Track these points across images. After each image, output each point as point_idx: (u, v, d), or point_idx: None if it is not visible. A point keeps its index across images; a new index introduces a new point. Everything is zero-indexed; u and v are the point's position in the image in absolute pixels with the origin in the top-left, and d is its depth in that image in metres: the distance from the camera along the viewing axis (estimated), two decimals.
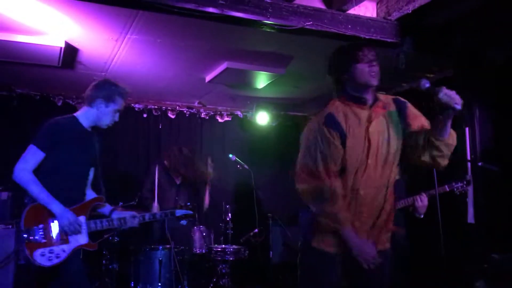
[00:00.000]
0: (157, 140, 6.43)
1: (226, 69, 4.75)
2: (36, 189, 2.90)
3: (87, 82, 5.37)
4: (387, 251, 2.53)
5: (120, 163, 6.16)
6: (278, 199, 6.59)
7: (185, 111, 6.64)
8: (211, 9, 3.31)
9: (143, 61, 4.72)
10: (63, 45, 4.12)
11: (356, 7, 3.89)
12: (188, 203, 4.97)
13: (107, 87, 3.16)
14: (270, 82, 5.25)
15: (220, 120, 6.87)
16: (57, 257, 2.88)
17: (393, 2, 3.81)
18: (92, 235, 3.08)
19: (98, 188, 3.33)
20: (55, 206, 2.90)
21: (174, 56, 4.56)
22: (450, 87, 4.36)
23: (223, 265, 4.96)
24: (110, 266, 4.75)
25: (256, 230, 5.33)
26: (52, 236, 2.91)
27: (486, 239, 3.83)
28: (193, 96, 6.28)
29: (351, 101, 2.44)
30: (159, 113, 6.48)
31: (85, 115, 3.16)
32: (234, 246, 5.04)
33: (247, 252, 5.02)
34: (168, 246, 4.48)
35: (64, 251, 2.91)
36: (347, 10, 3.86)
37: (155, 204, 4.88)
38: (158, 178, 5.11)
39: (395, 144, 2.43)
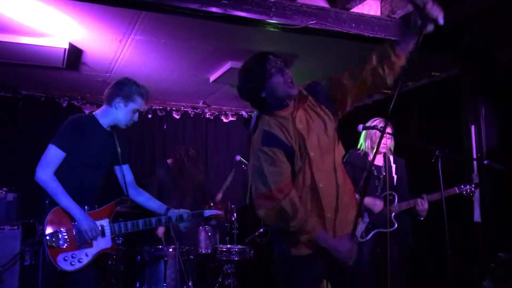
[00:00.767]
0: (162, 141, 6.45)
1: (230, 69, 4.75)
2: (57, 192, 2.81)
3: (92, 83, 5.48)
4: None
5: None
6: None
7: (190, 111, 6.65)
8: (214, 9, 3.30)
9: (147, 61, 4.72)
10: (67, 47, 4.13)
11: (360, 6, 3.86)
12: (212, 202, 4.97)
13: (127, 86, 3.06)
14: None
15: (225, 120, 6.87)
16: (80, 262, 2.82)
17: (397, 0, 3.79)
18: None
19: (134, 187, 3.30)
20: (75, 211, 2.82)
21: (178, 56, 4.56)
22: (456, 86, 4.36)
23: (229, 265, 4.95)
24: (115, 267, 4.76)
25: (261, 230, 5.31)
26: (75, 240, 2.83)
27: (493, 238, 3.81)
28: (198, 96, 6.28)
29: (275, 110, 2.35)
30: (164, 113, 6.49)
31: (104, 114, 3.06)
32: (240, 246, 5.03)
33: (252, 252, 5.00)
34: (173, 246, 4.48)
35: (87, 255, 2.85)
36: (351, 8, 3.84)
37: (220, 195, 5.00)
38: (162, 181, 5.11)
39: (330, 126, 2.36)
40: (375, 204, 3.81)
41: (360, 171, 3.98)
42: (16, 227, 4.45)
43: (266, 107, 2.37)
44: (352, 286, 2.41)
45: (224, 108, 6.84)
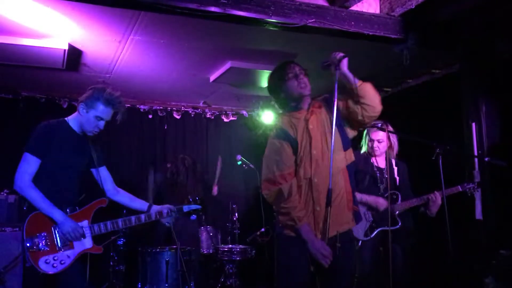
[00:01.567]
0: (163, 141, 6.45)
1: (230, 68, 4.74)
2: (37, 198, 2.86)
3: (92, 84, 5.44)
4: (350, 231, 2.81)
5: (126, 164, 6.17)
6: None
7: (190, 111, 6.65)
8: (213, 9, 3.30)
9: (147, 62, 4.72)
10: (66, 48, 4.14)
11: (359, 4, 3.86)
12: (197, 197, 4.96)
13: (94, 92, 3.05)
14: None
15: (225, 120, 6.86)
16: (62, 263, 2.87)
17: None
18: (97, 238, 3.06)
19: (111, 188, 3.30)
20: (56, 214, 2.87)
21: (178, 56, 4.56)
22: (457, 83, 4.34)
23: (230, 265, 4.95)
24: (117, 268, 4.77)
25: (263, 230, 5.32)
26: (55, 243, 2.88)
27: (494, 235, 3.79)
28: (198, 96, 6.28)
29: (291, 111, 2.84)
30: (165, 113, 6.49)
31: (74, 119, 3.10)
32: (241, 246, 5.03)
33: (254, 251, 5.01)
34: (174, 246, 4.48)
35: (68, 257, 2.90)
36: (350, 6, 3.84)
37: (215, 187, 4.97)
38: (160, 186, 5.13)
39: (335, 134, 2.68)
40: (378, 202, 3.81)
41: (362, 172, 3.98)
42: (17, 229, 4.45)
43: (287, 108, 2.88)
44: (334, 279, 2.70)
45: (225, 107, 6.84)
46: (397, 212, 3.79)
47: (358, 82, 2.74)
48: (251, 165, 5.48)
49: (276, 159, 2.73)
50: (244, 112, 6.95)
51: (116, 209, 3.46)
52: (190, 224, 5.10)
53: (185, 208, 3.40)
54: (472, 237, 3.97)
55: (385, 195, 3.88)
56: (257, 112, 6.65)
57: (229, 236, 5.38)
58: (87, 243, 3.00)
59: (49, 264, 2.83)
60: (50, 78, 5.16)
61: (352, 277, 2.84)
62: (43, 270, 2.80)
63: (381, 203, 3.80)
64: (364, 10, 3.84)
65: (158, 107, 6.44)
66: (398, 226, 3.74)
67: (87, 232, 3.00)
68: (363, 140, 4.06)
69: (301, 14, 3.54)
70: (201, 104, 6.65)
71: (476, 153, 3.94)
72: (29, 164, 2.92)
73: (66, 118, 3.12)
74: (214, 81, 5.22)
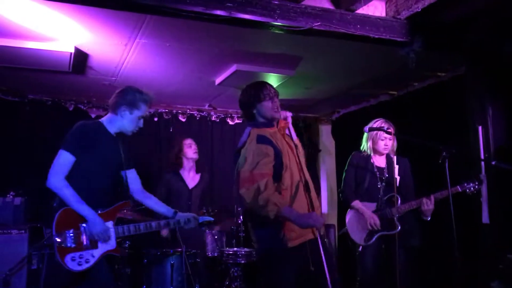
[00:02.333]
0: (168, 144, 6.44)
1: (236, 71, 4.75)
2: (69, 195, 2.90)
3: (98, 87, 5.50)
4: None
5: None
6: None
7: (196, 114, 6.65)
8: (219, 12, 3.30)
9: (152, 65, 4.73)
10: (73, 51, 4.15)
11: (364, 7, 3.85)
12: (210, 209, 4.99)
13: (130, 94, 3.19)
14: (280, 84, 5.23)
15: (230, 123, 6.87)
16: (87, 262, 2.90)
17: (402, 1, 3.78)
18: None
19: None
20: (88, 213, 2.92)
21: (184, 59, 4.57)
22: (462, 85, 4.33)
23: (235, 268, 4.94)
24: (122, 270, 4.76)
25: None
26: (82, 241, 2.92)
27: (501, 239, 3.77)
28: (204, 99, 6.29)
29: (263, 127, 3.00)
30: (170, 116, 6.50)
31: (110, 122, 3.19)
32: (246, 249, 5.02)
33: None
34: (179, 249, 4.48)
35: (93, 256, 2.93)
36: (356, 10, 3.83)
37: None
38: (171, 185, 5.12)
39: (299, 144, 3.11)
40: (373, 218, 3.81)
41: (362, 172, 3.97)
42: (23, 231, 4.48)
43: (254, 122, 3.05)
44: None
45: (230, 110, 6.84)
46: (396, 216, 3.77)
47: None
48: None
49: (256, 159, 2.81)
50: None
51: None
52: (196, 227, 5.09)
53: (201, 219, 3.52)
54: (479, 241, 3.94)
55: (384, 199, 3.87)
56: None
57: (233, 239, 5.37)
58: (111, 244, 3.04)
59: (74, 262, 2.86)
60: (56, 81, 5.18)
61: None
62: (68, 267, 2.84)
63: (377, 223, 3.80)
64: (370, 13, 3.83)
65: (163, 110, 6.45)
66: (397, 230, 3.71)
67: (112, 234, 3.05)
68: (364, 139, 4.05)
69: (306, 17, 3.54)
70: (206, 107, 6.66)
71: (482, 157, 3.92)
72: (64, 161, 2.96)
73: (100, 120, 3.21)
74: (219, 84, 5.22)
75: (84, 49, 4.27)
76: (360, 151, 4.07)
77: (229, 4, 3.31)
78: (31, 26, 3.74)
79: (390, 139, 3.92)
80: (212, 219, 3.63)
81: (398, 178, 3.89)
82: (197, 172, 5.32)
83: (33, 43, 4.04)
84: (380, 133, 3.88)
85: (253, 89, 3.06)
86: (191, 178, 5.26)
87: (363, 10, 3.86)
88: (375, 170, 3.94)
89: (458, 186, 3.72)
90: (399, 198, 3.80)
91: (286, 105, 6.44)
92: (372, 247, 3.82)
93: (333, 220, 6.70)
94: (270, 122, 3.03)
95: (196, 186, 5.23)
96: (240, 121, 6.89)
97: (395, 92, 5.71)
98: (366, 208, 3.87)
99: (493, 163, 3.66)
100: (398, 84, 5.48)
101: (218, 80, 5.21)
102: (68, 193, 2.89)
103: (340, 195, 4.15)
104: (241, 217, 5.34)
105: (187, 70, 4.92)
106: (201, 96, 6.09)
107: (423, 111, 5.17)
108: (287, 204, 2.81)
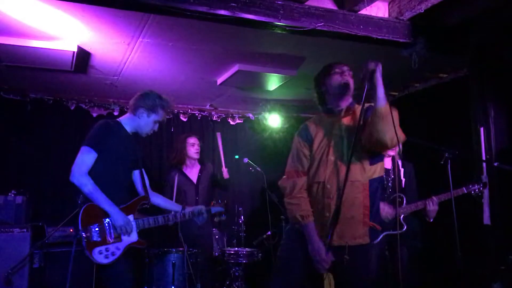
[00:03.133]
0: (170, 143, 6.44)
1: (238, 71, 4.75)
2: (93, 190, 3.02)
3: (100, 86, 5.50)
4: (366, 246, 2.77)
5: None
6: None
7: (197, 114, 6.66)
8: (222, 12, 3.30)
9: (155, 64, 4.74)
10: (75, 50, 4.15)
11: (368, 8, 3.85)
12: (219, 201, 4.99)
13: (151, 98, 3.35)
14: (282, 84, 5.24)
15: (232, 123, 6.87)
16: (113, 255, 3.05)
17: (405, 2, 3.78)
18: None
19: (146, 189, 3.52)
20: (110, 208, 3.06)
21: (186, 59, 4.57)
22: (465, 87, 4.33)
23: (236, 268, 4.94)
24: None
25: (269, 233, 5.31)
26: (106, 235, 3.07)
27: (503, 240, 3.77)
28: (205, 99, 6.30)
29: (324, 112, 2.91)
30: (171, 116, 6.49)
31: (128, 122, 3.35)
32: (247, 249, 5.02)
33: (260, 254, 4.99)
34: (181, 249, 4.47)
35: (118, 249, 3.09)
36: (359, 10, 3.83)
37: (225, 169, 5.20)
38: (176, 182, 5.12)
39: (357, 147, 2.60)
40: (383, 210, 3.80)
41: None
42: (25, 230, 4.47)
43: (323, 106, 2.91)
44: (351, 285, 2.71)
45: (231, 110, 6.85)
46: (402, 215, 3.78)
47: (383, 104, 2.55)
48: (258, 168, 5.47)
49: (295, 155, 2.87)
50: (251, 115, 6.95)
51: None
52: (197, 226, 5.10)
53: (212, 210, 3.73)
54: (480, 242, 3.95)
55: (390, 198, 3.88)
56: (263, 115, 6.65)
57: (235, 239, 5.37)
58: (133, 236, 3.20)
59: (102, 255, 3.01)
60: (58, 80, 5.18)
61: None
62: (96, 261, 2.98)
63: (387, 211, 3.78)
64: (373, 14, 3.84)
65: None
66: (403, 230, 3.72)
67: (134, 226, 3.20)
68: None
69: (310, 18, 3.54)
70: (207, 107, 6.66)
71: (484, 158, 3.93)
72: (87, 157, 3.08)
73: (119, 119, 3.37)
74: (221, 84, 5.23)
75: (87, 48, 4.27)
76: None
77: (233, 4, 3.31)
78: (34, 24, 3.74)
79: None
80: (223, 209, 3.71)
81: (404, 180, 3.91)
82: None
83: (36, 42, 4.04)
84: None
85: (324, 67, 2.96)
86: (194, 173, 5.27)
87: (366, 11, 3.86)
88: None
89: (463, 188, 3.74)
90: (404, 198, 3.81)
91: (286, 105, 6.45)
92: (377, 247, 3.82)
93: None
94: (334, 105, 2.85)
95: (200, 178, 5.23)
96: (241, 121, 6.90)
97: (397, 93, 5.71)
98: None
99: (495, 164, 3.67)
100: (399, 85, 5.49)
101: (220, 80, 5.21)
102: (91, 189, 3.02)
103: None
104: (242, 217, 5.34)
105: (189, 70, 4.92)
106: (203, 96, 6.09)
107: (425, 112, 5.18)
108: (311, 217, 2.74)
